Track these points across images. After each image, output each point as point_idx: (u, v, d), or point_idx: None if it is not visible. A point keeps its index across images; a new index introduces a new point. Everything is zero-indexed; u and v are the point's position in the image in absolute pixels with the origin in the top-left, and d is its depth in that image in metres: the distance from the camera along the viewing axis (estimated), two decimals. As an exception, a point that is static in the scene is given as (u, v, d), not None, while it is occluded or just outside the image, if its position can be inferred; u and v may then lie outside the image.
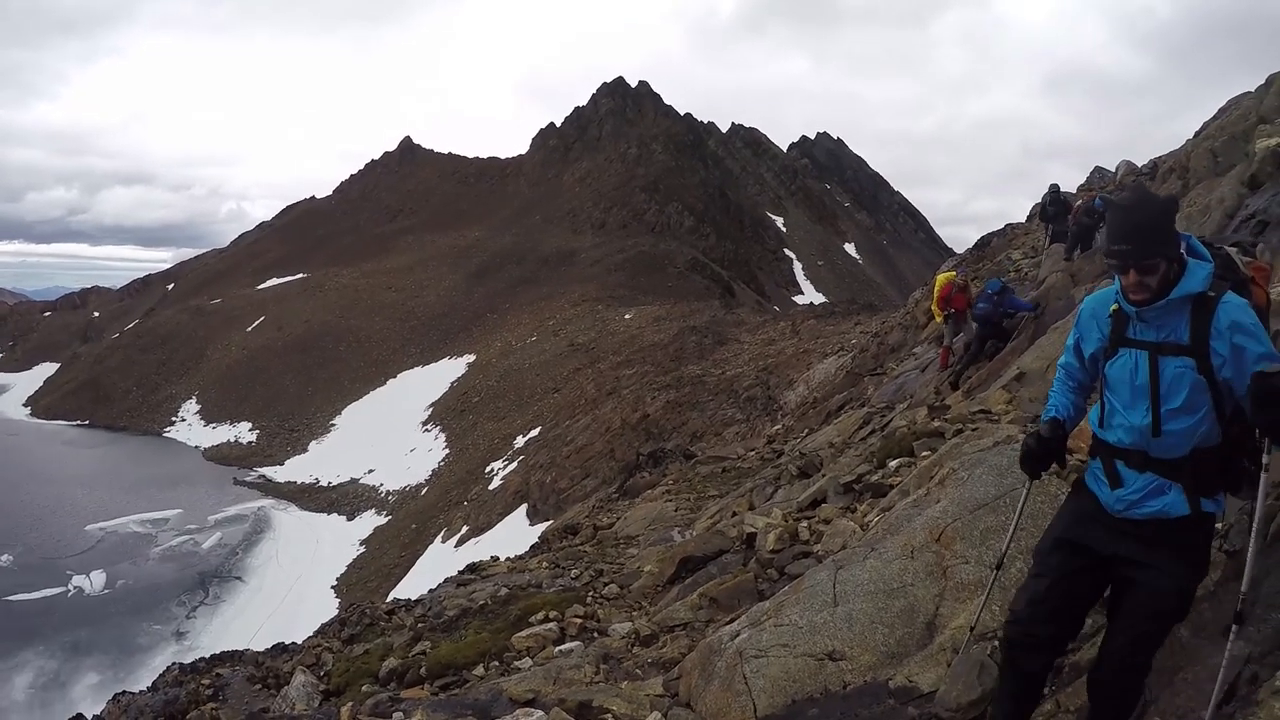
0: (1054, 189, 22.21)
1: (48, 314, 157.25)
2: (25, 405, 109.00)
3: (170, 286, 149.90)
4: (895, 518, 6.99)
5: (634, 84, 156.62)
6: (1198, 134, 21.53)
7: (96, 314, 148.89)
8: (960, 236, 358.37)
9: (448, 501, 57.92)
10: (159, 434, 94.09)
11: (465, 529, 49.02)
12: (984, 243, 35.69)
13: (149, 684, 13.80)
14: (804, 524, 9.50)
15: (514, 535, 38.82)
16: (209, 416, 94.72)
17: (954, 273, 19.20)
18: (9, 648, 42.24)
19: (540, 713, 5.91)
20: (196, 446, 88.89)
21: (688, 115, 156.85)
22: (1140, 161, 28.52)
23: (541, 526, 35.90)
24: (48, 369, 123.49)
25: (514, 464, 55.85)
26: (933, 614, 5.63)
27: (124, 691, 13.39)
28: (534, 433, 60.32)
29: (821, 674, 5.39)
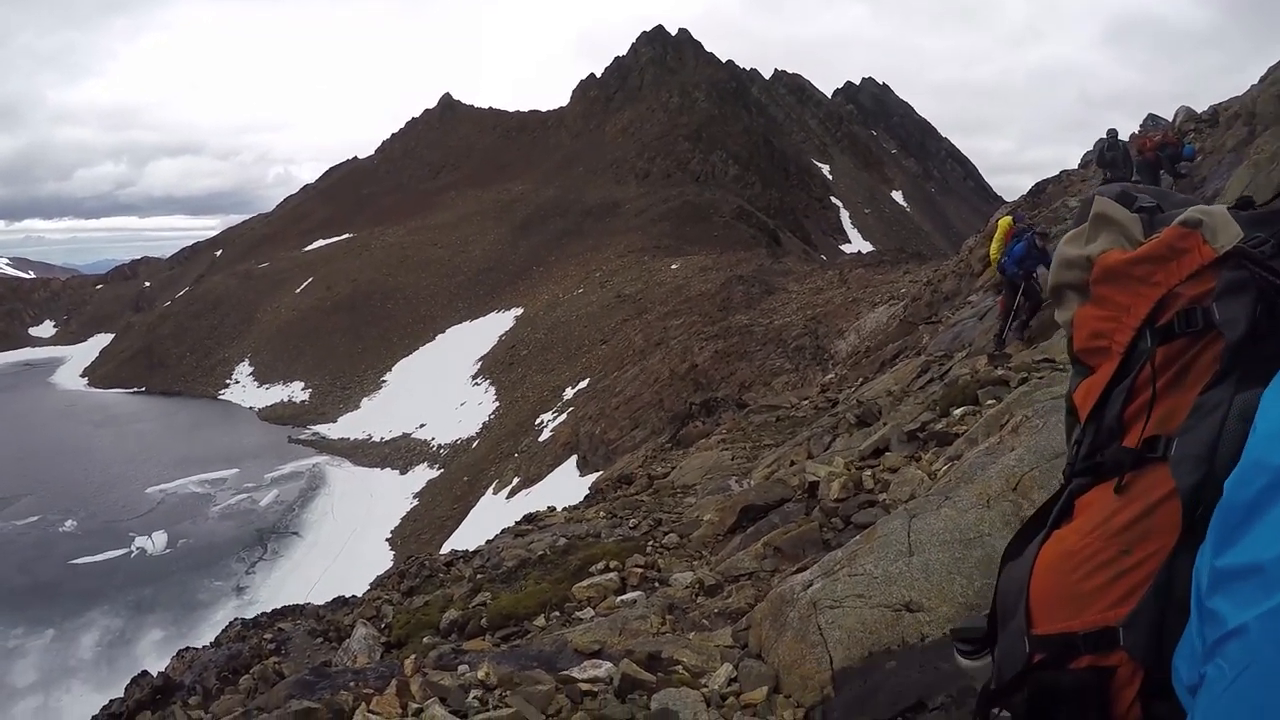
0: (1112, 134, 21.45)
1: (100, 287, 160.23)
2: (82, 376, 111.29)
3: (218, 253, 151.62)
4: (968, 466, 6.79)
5: (674, 32, 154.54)
6: (1263, 79, 20.72)
7: (147, 284, 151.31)
8: (1015, 185, 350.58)
9: (498, 454, 58.35)
10: (214, 397, 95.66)
11: (516, 480, 49.38)
12: (1039, 189, 34.75)
13: (212, 639, 14.00)
14: (868, 473, 9.32)
15: (564, 486, 39.00)
16: (262, 378, 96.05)
17: (1012, 217, 18.64)
18: (76, 608, 43.51)
19: (608, 664, 5.82)
20: (251, 407, 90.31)
21: (729, 62, 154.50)
22: (1200, 109, 27.51)
23: (591, 477, 36.00)
24: (102, 340, 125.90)
25: (563, 416, 56.04)
26: (1010, 563, 5.43)
27: (188, 647, 13.61)
28: (583, 384, 60.42)
29: (899, 625, 5.24)
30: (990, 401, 9.63)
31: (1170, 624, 1.17)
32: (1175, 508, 1.21)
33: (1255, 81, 22.24)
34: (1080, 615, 1.26)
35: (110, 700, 11.63)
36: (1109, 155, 20.73)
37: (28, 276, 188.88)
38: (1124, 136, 21.95)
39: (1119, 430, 1.35)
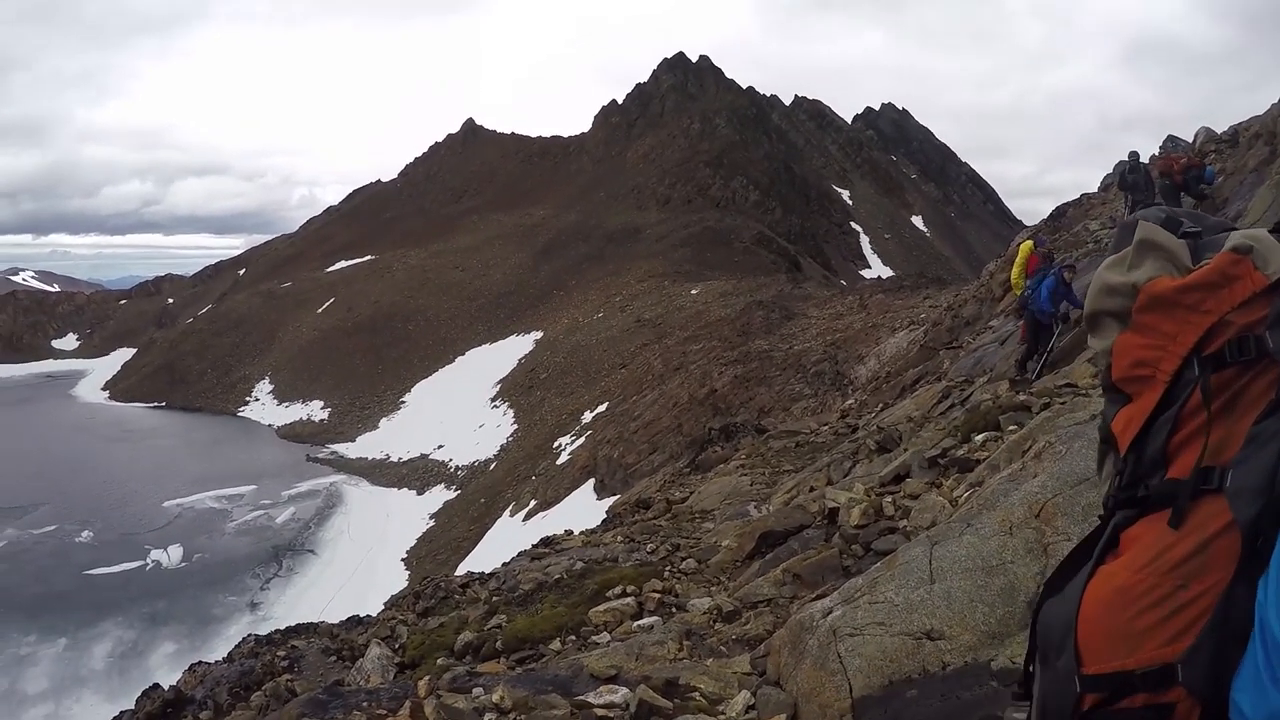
0: (1133, 156, 21.26)
1: (123, 302, 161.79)
2: (104, 389, 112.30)
3: (241, 272, 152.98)
4: (990, 493, 6.70)
5: (695, 59, 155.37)
6: (1282, 98, 20.61)
7: (171, 300, 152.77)
8: (1034, 209, 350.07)
9: (516, 476, 58.32)
10: (233, 414, 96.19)
11: (533, 503, 49.30)
12: (1059, 213, 34.59)
13: (224, 654, 13.99)
14: (888, 499, 9.23)
15: (582, 510, 38.89)
16: (282, 396, 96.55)
17: (1033, 241, 18.51)
18: (90, 619, 43.61)
19: (625, 689, 5.76)
20: (270, 425, 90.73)
21: (750, 89, 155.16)
22: (1219, 128, 27.34)
23: (609, 501, 35.88)
24: (124, 354, 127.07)
25: (581, 439, 55.98)
26: (1035, 593, 5.34)
27: (200, 661, 13.61)
28: (601, 408, 60.38)
29: (920, 654, 5.16)
30: (1012, 427, 9.53)
31: (1229, 657, 1.14)
32: (1234, 540, 1.18)
33: (1276, 100, 22.09)
34: (1135, 653, 1.23)
35: (121, 712, 11.63)
36: (1130, 178, 20.49)
37: (53, 290, 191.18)
38: (1144, 158, 21.79)
39: (1162, 461, 1.33)
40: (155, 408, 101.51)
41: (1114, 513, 1.38)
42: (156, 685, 12.11)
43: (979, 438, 10.12)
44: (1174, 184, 17.53)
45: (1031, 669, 1.45)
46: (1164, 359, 1.35)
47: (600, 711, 5.51)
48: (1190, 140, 28.91)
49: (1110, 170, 36.58)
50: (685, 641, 7.16)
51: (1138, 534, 1.31)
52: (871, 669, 5.14)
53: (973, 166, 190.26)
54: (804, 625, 5.79)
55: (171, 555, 52.98)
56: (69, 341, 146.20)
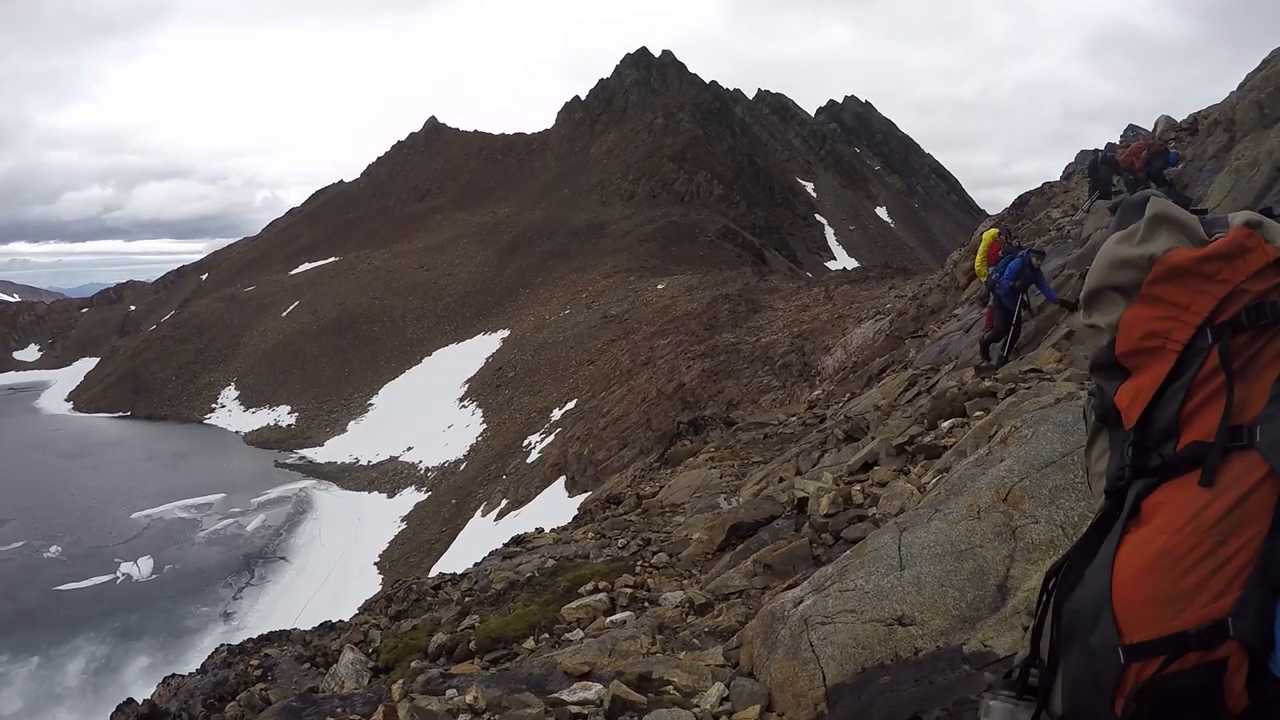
0: (1111, 148, 21.50)
1: (85, 310, 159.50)
2: (67, 400, 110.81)
3: (204, 277, 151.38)
4: (957, 478, 6.74)
5: (658, 54, 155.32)
6: (1242, 85, 20.84)
7: (133, 308, 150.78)
8: (999, 198, 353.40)
9: (486, 476, 58.16)
10: (200, 421, 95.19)
11: (505, 502, 49.19)
12: (1021, 202, 34.89)
13: (198, 666, 13.85)
14: (857, 487, 9.26)
15: (553, 507, 38.85)
16: (248, 402, 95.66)
17: (996, 229, 18.60)
18: (61, 635, 43.02)
19: (599, 685, 5.75)
20: (237, 432, 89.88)
21: (713, 83, 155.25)
22: (1179, 118, 27.65)
23: (580, 498, 35.88)
24: (87, 364, 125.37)
25: (551, 437, 55.91)
26: (1004, 576, 5.39)
27: (174, 674, 13.48)
28: (570, 405, 60.32)
29: (892, 640, 5.18)
30: (978, 413, 9.60)
31: (1273, 606, 1.21)
32: (1268, 492, 1.24)
33: (1235, 89, 22.38)
34: (1182, 614, 1.27)
35: (96, 727, 11.50)
36: (1104, 170, 20.58)
37: (12, 300, 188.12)
38: (1101, 146, 22.04)
39: (1175, 429, 1.38)
40: (120, 418, 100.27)
41: (1127, 485, 1.42)
42: (130, 700, 12.02)
43: (946, 424, 10.19)
44: (1136, 179, 17.61)
45: (1035, 666, 1.49)
46: (1176, 329, 1.40)
47: (574, 708, 5.49)
48: (1150, 129, 29.25)
49: (1073, 160, 36.97)
50: (658, 636, 7.16)
51: (1162, 500, 1.35)
52: (844, 657, 5.16)
53: (941, 157, 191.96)
54: (775, 615, 5.80)
55: (142, 567, 52.34)
56: (31, 352, 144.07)
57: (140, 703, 11.64)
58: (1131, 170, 17.96)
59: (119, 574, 51.63)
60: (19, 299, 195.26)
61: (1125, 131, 35.15)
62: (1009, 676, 1.57)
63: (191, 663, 23.35)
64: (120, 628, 44.16)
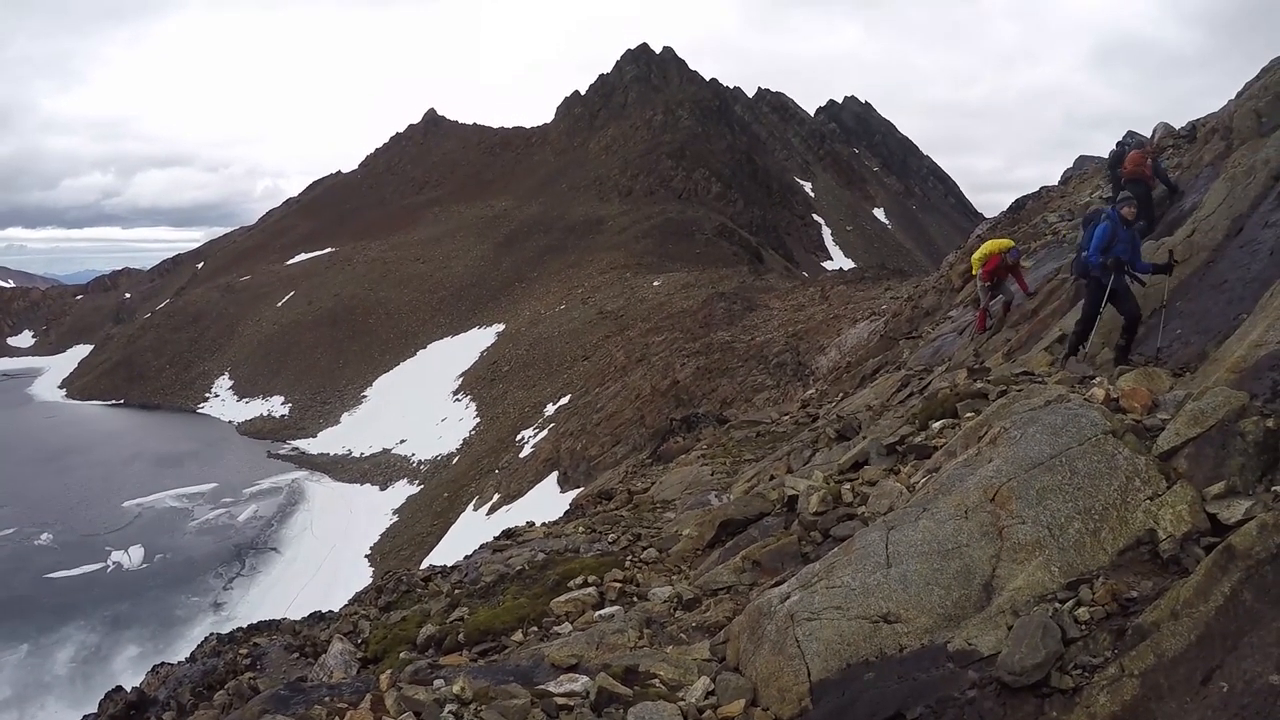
0: (1130, 137, 21.10)
1: (79, 297, 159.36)
2: (60, 387, 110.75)
3: (200, 265, 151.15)
4: (946, 478, 6.77)
5: (658, 50, 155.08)
6: (1240, 94, 20.87)
7: (128, 295, 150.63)
8: (998, 202, 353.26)
9: (479, 470, 58.18)
10: (193, 410, 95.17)
11: (497, 497, 49.21)
12: (1018, 206, 34.92)
13: (188, 655, 13.85)
14: (847, 486, 9.28)
15: (545, 502, 38.91)
16: (242, 391, 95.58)
17: (1011, 241, 18.34)
18: (51, 623, 43.03)
19: (585, 678, 5.77)
20: (230, 421, 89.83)
21: (713, 80, 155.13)
22: (1178, 125, 27.66)
23: (573, 493, 35.91)
24: (81, 351, 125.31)
25: (544, 432, 55.93)
26: (989, 575, 5.43)
27: (163, 663, 13.46)
28: (564, 400, 60.34)
29: (877, 637, 5.22)
30: (969, 414, 9.62)
31: None
32: None
33: (1233, 97, 22.40)
34: None
35: (84, 716, 11.49)
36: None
37: (7, 286, 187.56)
38: (1116, 143, 21.91)
39: None
40: (113, 405, 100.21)
41: None
42: (119, 688, 11.99)
43: (936, 425, 10.20)
44: (1148, 188, 17.01)
45: None
46: None
47: (560, 700, 5.52)
48: (1149, 135, 29.25)
49: (1071, 165, 36.97)
50: (645, 630, 7.19)
51: None
52: (829, 653, 5.19)
53: (945, 160, 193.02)
54: (762, 611, 5.84)
55: (133, 556, 52.35)
56: (25, 339, 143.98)
57: (129, 690, 11.63)
58: (1144, 180, 16.89)
59: (109, 562, 51.66)
60: (14, 285, 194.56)
61: (1125, 137, 35.08)
62: None
63: (181, 652, 23.37)
64: (110, 616, 44.18)
